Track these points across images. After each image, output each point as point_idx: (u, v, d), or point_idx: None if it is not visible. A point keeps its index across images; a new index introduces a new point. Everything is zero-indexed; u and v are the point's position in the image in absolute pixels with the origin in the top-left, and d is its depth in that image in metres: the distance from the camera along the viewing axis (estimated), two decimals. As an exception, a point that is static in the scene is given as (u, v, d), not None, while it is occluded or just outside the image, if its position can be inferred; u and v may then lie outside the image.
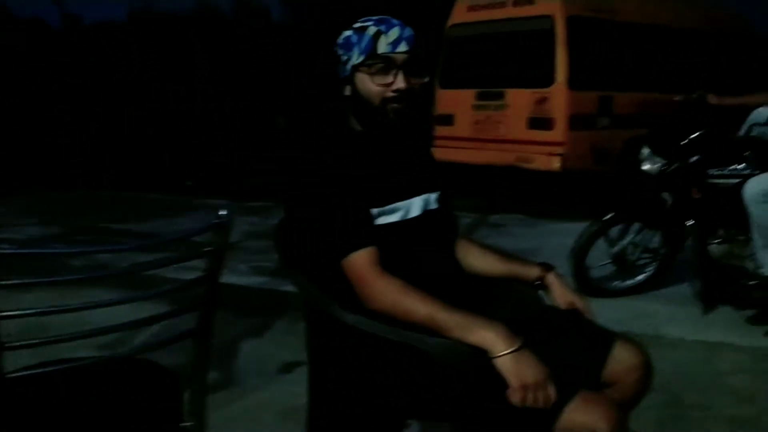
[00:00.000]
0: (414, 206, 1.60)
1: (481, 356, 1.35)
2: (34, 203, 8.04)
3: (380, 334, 1.43)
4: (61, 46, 14.95)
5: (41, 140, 11.42)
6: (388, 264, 1.47)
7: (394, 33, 1.56)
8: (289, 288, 1.64)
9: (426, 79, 1.62)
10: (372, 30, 1.57)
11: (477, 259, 1.77)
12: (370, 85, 1.56)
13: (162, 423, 1.45)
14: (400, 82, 1.55)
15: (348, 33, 1.61)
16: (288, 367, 3.07)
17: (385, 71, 1.55)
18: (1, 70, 12.34)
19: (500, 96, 7.67)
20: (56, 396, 1.40)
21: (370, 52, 1.55)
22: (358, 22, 1.61)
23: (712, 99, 3.85)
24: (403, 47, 1.56)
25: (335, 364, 1.59)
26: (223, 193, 8.45)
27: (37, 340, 1.18)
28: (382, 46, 1.55)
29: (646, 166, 3.97)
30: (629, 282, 4.22)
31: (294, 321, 3.54)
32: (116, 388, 1.46)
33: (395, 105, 1.56)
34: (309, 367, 1.67)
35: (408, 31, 1.58)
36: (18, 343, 1.17)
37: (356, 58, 1.57)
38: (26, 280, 1.12)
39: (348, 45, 1.59)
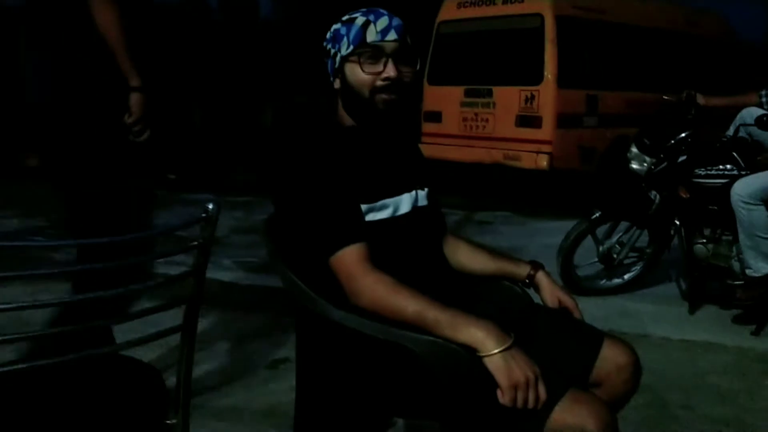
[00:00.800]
0: (403, 203, 1.59)
1: (471, 355, 1.33)
2: (10, 195, 7.93)
3: (368, 332, 1.41)
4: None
5: (20, 129, 11.27)
6: (377, 261, 1.45)
7: (382, 22, 1.55)
8: (275, 283, 1.61)
9: (416, 68, 1.60)
10: (361, 20, 1.56)
11: (466, 257, 1.76)
12: (359, 74, 1.55)
13: (146, 420, 1.42)
14: (390, 71, 1.53)
15: (336, 26, 1.60)
16: (273, 364, 3.05)
17: (374, 59, 1.54)
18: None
19: (488, 93, 7.67)
20: (38, 393, 1.36)
21: (360, 41, 1.54)
22: (346, 15, 1.61)
23: (700, 99, 3.86)
24: (392, 35, 1.54)
25: (322, 361, 1.57)
26: (208, 188, 8.40)
27: (17, 335, 1.14)
28: (371, 35, 1.54)
29: (633, 166, 3.97)
30: (616, 281, 4.24)
31: (279, 317, 3.52)
32: (99, 385, 1.43)
33: (385, 94, 1.54)
34: (296, 363, 1.65)
35: (396, 21, 1.57)
36: (-2, 338, 1.13)
37: (345, 49, 1.56)
38: (5, 274, 1.09)
39: (337, 37, 1.58)
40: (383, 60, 1.54)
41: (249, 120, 12.23)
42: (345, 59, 1.57)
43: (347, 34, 1.56)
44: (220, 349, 3.18)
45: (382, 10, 1.58)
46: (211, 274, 1.46)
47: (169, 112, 12.73)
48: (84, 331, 1.13)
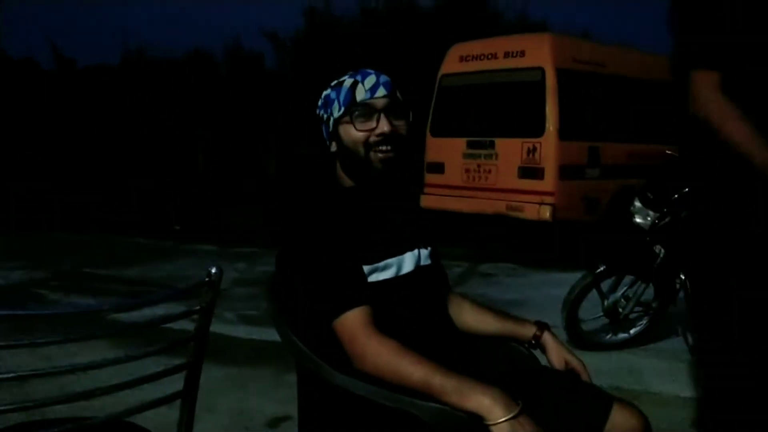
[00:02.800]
0: (406, 262, 1.58)
1: (478, 423, 1.30)
2: (17, 244, 7.94)
3: (374, 399, 1.38)
4: (53, 87, 15.03)
5: (26, 179, 11.38)
6: (381, 322, 1.43)
7: (370, 80, 1.57)
8: (277, 338, 1.59)
9: (409, 120, 1.61)
10: (349, 81, 1.59)
11: (471, 317, 1.74)
12: (353, 132, 1.56)
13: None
14: (383, 126, 1.54)
15: (326, 92, 1.63)
16: (275, 422, 2.99)
17: (366, 117, 1.56)
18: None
19: (491, 145, 7.72)
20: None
21: (350, 101, 1.56)
22: (334, 80, 1.63)
23: (703, 153, 3.86)
24: (381, 92, 1.56)
25: (324, 424, 1.53)
26: (211, 239, 8.41)
27: (17, 405, 1.12)
28: (361, 94, 1.56)
29: (637, 220, 3.97)
30: (622, 335, 4.19)
31: (281, 372, 3.47)
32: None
33: (381, 150, 1.55)
34: (298, 424, 1.62)
35: (384, 77, 1.59)
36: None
37: (337, 112, 1.58)
38: (9, 342, 1.08)
39: (328, 102, 1.61)
40: (375, 116, 1.55)
41: (253, 171, 12.32)
42: (338, 122, 1.59)
43: (337, 98, 1.58)
44: (220, 405, 3.13)
45: (368, 70, 1.61)
46: (213, 327, 1.44)
47: (174, 163, 12.86)
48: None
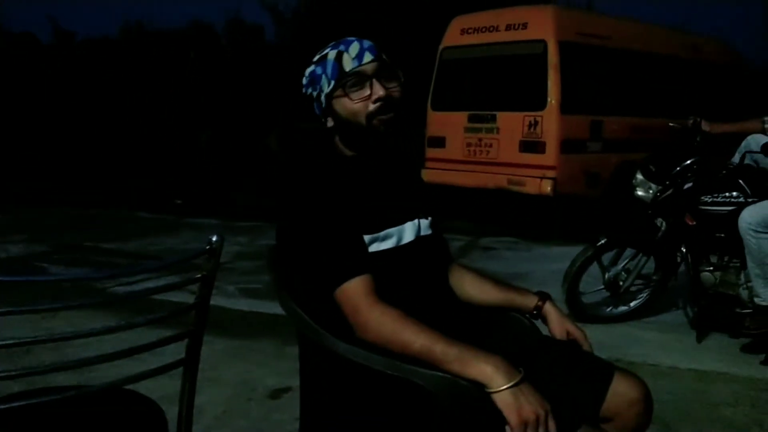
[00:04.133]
0: (407, 232, 1.57)
1: (480, 391, 1.30)
2: (18, 220, 7.94)
3: (376, 367, 1.38)
4: (52, 60, 14.93)
5: (26, 156, 11.35)
6: (382, 292, 1.43)
7: (354, 48, 1.54)
8: (278, 311, 1.59)
9: (402, 81, 1.58)
10: (332, 54, 1.55)
11: (472, 287, 1.74)
12: (350, 104, 1.53)
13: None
14: (378, 90, 1.52)
15: (310, 69, 1.59)
16: (276, 393, 3.01)
17: (359, 85, 1.53)
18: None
19: (492, 119, 7.68)
20: (40, 427, 1.34)
21: (339, 73, 1.53)
22: (316, 55, 1.60)
23: (705, 126, 3.85)
24: (368, 57, 1.54)
25: (327, 393, 1.54)
26: (213, 213, 8.40)
27: (19, 371, 1.12)
28: (348, 64, 1.53)
29: (639, 192, 3.96)
30: (622, 308, 4.20)
31: (282, 345, 3.49)
32: (101, 419, 1.40)
33: (382, 115, 1.53)
34: (300, 394, 1.63)
35: (367, 42, 1.56)
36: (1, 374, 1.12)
37: (327, 87, 1.55)
38: (9, 309, 1.07)
39: (315, 79, 1.58)
40: (368, 83, 1.53)
41: (255, 144, 12.28)
42: (331, 96, 1.56)
43: (324, 72, 1.55)
44: (222, 377, 3.15)
45: (349, 38, 1.57)
46: (215, 300, 1.44)
47: (176, 137, 12.81)
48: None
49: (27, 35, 17.16)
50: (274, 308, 4.14)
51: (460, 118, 7.96)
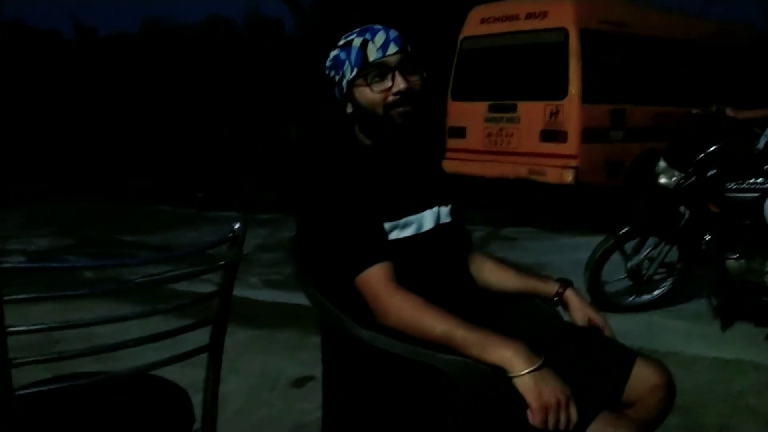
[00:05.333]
0: (426, 220, 1.57)
1: (500, 375, 1.31)
2: (43, 214, 8.05)
3: (397, 352, 1.39)
4: (75, 57, 15.09)
5: (50, 151, 11.49)
6: (402, 279, 1.44)
7: (380, 37, 1.54)
8: (301, 301, 1.61)
9: (424, 75, 1.58)
10: (358, 41, 1.55)
11: (493, 274, 1.74)
12: (369, 95, 1.54)
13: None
14: (399, 84, 1.52)
15: (335, 52, 1.59)
16: (299, 382, 3.03)
17: (381, 77, 1.53)
18: (15, 81, 12.45)
19: (513, 108, 7.63)
20: (67, 412, 1.37)
21: (362, 62, 1.53)
22: (341, 39, 1.59)
23: (730, 112, 3.80)
24: (392, 48, 1.53)
25: (350, 380, 1.55)
26: (233, 206, 8.46)
27: (47, 356, 1.15)
28: (372, 54, 1.53)
29: (662, 180, 3.92)
30: (645, 297, 4.17)
31: (305, 335, 3.51)
32: (128, 404, 1.43)
33: (400, 108, 1.53)
34: (323, 382, 1.64)
35: (393, 33, 1.55)
36: (28, 359, 1.14)
37: (350, 74, 1.55)
38: (36, 295, 1.09)
39: (338, 63, 1.57)
40: (390, 75, 1.52)
41: (275, 137, 12.32)
42: (352, 84, 1.56)
43: (348, 58, 1.55)
44: (245, 367, 3.18)
45: (376, 26, 1.57)
46: (237, 291, 1.45)
47: (196, 130, 12.89)
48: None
49: (51, 32, 17.38)
50: (296, 299, 4.17)
51: (481, 108, 7.93)
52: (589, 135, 7.17)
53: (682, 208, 3.89)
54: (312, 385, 2.94)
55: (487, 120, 7.86)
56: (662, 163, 3.93)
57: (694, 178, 3.80)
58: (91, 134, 12.46)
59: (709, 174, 3.74)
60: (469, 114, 8.06)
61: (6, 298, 1.08)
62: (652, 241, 4.09)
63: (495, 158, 7.76)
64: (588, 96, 7.11)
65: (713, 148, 3.74)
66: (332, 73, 1.60)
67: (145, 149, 12.21)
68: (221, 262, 1.37)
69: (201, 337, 1.44)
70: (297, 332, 3.63)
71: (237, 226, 1.37)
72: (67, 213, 8.21)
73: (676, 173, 3.87)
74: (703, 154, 3.76)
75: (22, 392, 1.19)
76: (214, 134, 12.76)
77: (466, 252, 1.73)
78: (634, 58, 7.74)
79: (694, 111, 4.14)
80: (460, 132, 8.17)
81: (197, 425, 1.48)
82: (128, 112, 13.20)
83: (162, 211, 8.43)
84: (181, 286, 3.02)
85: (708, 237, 3.80)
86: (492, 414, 1.34)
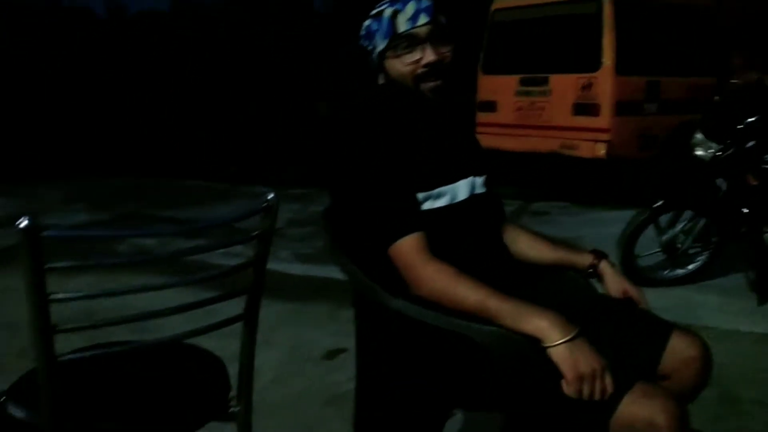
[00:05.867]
0: (460, 190, 1.56)
1: (535, 345, 1.30)
2: (78, 189, 8.18)
3: (430, 322, 1.39)
4: (106, 34, 15.22)
5: (85, 127, 11.64)
6: (435, 250, 1.43)
7: (410, 7, 1.51)
8: (332, 274, 1.62)
9: (455, 45, 1.55)
10: (388, 11, 1.53)
11: (526, 246, 1.73)
12: (399, 66, 1.53)
13: (210, 407, 1.44)
14: (429, 56, 1.50)
15: (367, 22, 1.58)
16: (331, 354, 3.06)
17: (410, 48, 1.51)
18: (48, 57, 12.60)
19: (544, 81, 7.53)
20: (106, 379, 1.40)
21: (392, 33, 1.52)
22: (374, 9, 1.58)
23: (769, 82, 3.70)
24: (423, 19, 1.51)
25: (383, 351, 1.56)
26: (266, 181, 8.51)
27: (87, 324, 1.17)
28: (402, 25, 1.51)
29: (698, 152, 3.85)
30: (679, 271, 4.11)
31: (336, 308, 3.54)
32: (165, 372, 1.46)
33: (430, 81, 1.51)
34: (356, 353, 1.65)
35: (425, 2, 1.52)
36: (69, 326, 1.17)
37: (380, 45, 1.54)
38: (77, 263, 1.11)
39: (370, 34, 1.56)
40: (420, 47, 1.51)
41: (305, 112, 12.33)
42: (382, 55, 1.55)
43: (379, 29, 1.54)
44: (278, 339, 3.21)
45: None
46: (269, 265, 1.46)
47: (228, 105, 12.96)
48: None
49: (84, 10, 17.52)
50: (328, 272, 4.21)
51: (512, 81, 7.83)
52: (622, 108, 7.04)
53: (718, 181, 3.81)
54: (344, 356, 2.96)
55: (518, 93, 7.76)
56: (699, 135, 3.85)
57: (732, 150, 3.72)
58: (124, 110, 12.58)
59: (748, 145, 3.66)
60: (499, 87, 7.97)
61: (48, 266, 1.10)
62: (687, 214, 4.02)
63: (526, 132, 7.68)
64: (622, 68, 6.97)
65: (753, 118, 3.65)
66: (365, 43, 1.59)
67: (177, 125, 12.31)
68: (255, 233, 1.38)
69: (235, 309, 1.45)
70: (329, 305, 3.65)
71: (270, 196, 1.37)
72: (102, 189, 8.34)
73: (714, 145, 3.79)
74: (742, 125, 3.67)
75: (64, 358, 1.22)
76: (245, 110, 12.82)
77: (500, 223, 1.72)
78: (670, 28, 7.56)
79: (733, 81, 4.04)
80: (490, 106, 8.09)
81: (233, 393, 1.51)
82: (160, 88, 13.30)
83: (196, 186, 8.52)
84: (211, 260, 3.06)
85: (745, 210, 3.72)
86: (526, 384, 1.34)
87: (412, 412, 1.50)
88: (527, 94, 7.69)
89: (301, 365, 2.99)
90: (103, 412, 1.32)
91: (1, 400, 1.32)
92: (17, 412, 1.29)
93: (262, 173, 9.09)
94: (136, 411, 1.33)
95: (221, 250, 1.40)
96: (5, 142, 9.90)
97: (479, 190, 1.62)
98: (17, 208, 6.64)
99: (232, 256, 1.52)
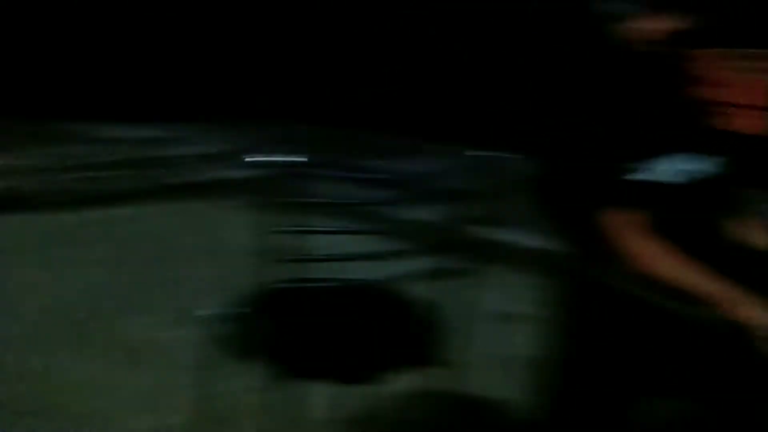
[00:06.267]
0: (687, 167, 1.45)
1: (749, 334, 1.24)
2: (276, 135, 8.31)
3: (638, 297, 1.35)
4: None
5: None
6: (654, 227, 1.38)
7: None
8: (538, 244, 1.59)
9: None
10: None
11: (757, 235, 1.59)
12: (637, 33, 1.45)
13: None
14: (666, 23, 1.43)
15: None
16: (505, 318, 3.08)
17: (649, 15, 1.44)
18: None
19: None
20: (320, 307, 1.50)
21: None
22: None
23: None
24: None
25: (587, 323, 1.50)
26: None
27: (305, 256, 1.28)
28: None
29: None
30: None
31: (509, 272, 3.51)
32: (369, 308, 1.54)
33: (668, 49, 1.44)
34: (553, 321, 1.62)
35: None
36: (289, 258, 1.27)
37: (618, 10, 1.47)
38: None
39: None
40: (657, 14, 1.44)
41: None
42: (621, 20, 1.47)
43: None
44: (456, 300, 3.22)
45: None
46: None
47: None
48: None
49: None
50: (533, 242, 4.09)
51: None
52: None
53: None
54: (518, 320, 2.96)
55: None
56: None
57: None
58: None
59: None
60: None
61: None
62: None
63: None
64: None
65: None
66: (602, 8, 1.54)
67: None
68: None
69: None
70: (502, 269, 3.62)
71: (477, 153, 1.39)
72: (299, 134, 8.41)
73: None
74: None
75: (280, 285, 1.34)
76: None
77: (728, 208, 1.59)
78: None
79: None
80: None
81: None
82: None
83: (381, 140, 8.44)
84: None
85: None
86: (737, 371, 1.29)
87: (612, 389, 1.46)
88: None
89: (477, 326, 3.00)
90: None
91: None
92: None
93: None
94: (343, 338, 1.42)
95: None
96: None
97: (708, 170, 1.50)
98: (237, 145, 6.92)
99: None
